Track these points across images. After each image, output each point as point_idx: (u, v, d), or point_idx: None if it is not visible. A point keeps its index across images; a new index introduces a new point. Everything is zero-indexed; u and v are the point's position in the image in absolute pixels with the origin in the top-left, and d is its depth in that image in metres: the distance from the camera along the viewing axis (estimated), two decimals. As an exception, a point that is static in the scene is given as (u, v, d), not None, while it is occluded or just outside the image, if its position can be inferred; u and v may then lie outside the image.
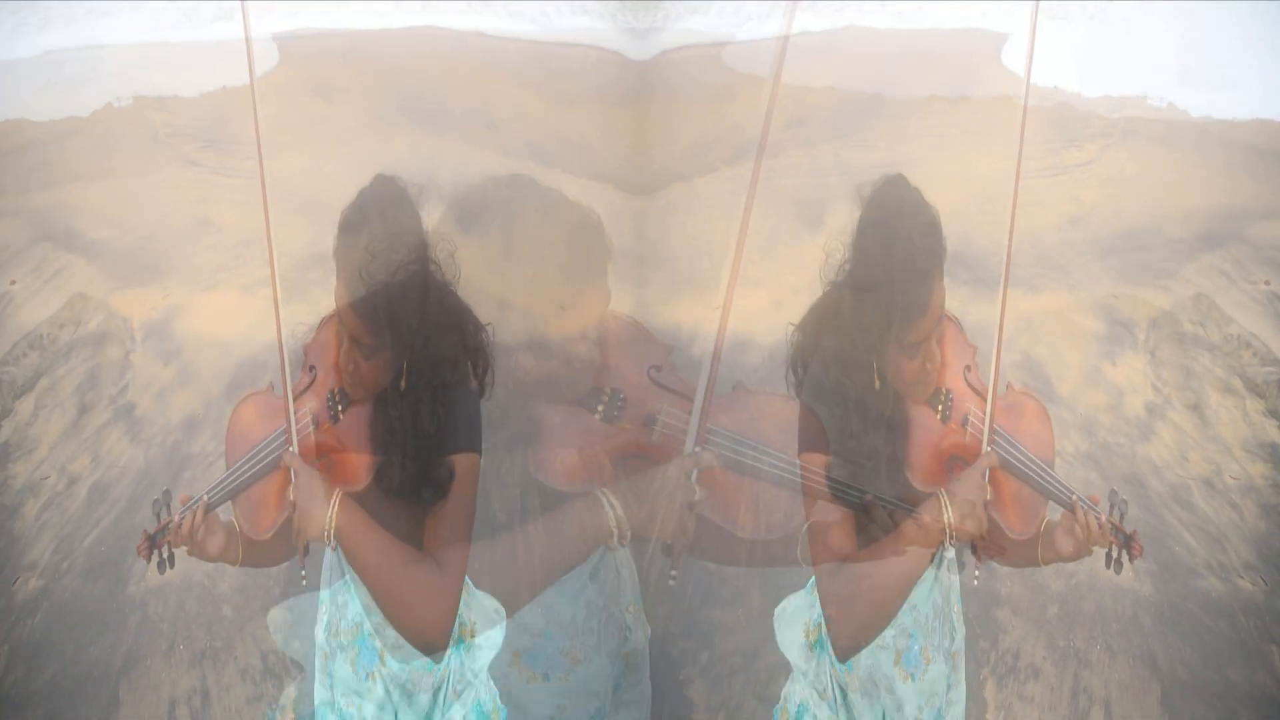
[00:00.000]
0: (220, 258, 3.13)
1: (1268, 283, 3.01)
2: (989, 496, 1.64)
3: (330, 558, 1.79)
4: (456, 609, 1.65)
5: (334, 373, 1.71)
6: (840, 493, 1.67)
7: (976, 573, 1.69)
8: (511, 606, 1.75)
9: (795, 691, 1.85)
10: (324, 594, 1.81)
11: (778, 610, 1.85)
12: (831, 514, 1.67)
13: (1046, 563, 1.68)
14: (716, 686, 2.40)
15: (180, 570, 2.43)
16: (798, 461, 1.70)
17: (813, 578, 1.79)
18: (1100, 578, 2.50)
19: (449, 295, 1.71)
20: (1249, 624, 2.44)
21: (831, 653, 1.75)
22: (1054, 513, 1.69)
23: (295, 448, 1.65)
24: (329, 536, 1.60)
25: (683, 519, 1.65)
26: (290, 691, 2.26)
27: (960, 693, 1.85)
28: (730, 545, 1.78)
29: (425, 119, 3.46)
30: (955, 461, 1.69)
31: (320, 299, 1.72)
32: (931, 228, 1.64)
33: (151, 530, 1.60)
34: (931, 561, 1.69)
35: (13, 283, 3.01)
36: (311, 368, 1.73)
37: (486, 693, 1.77)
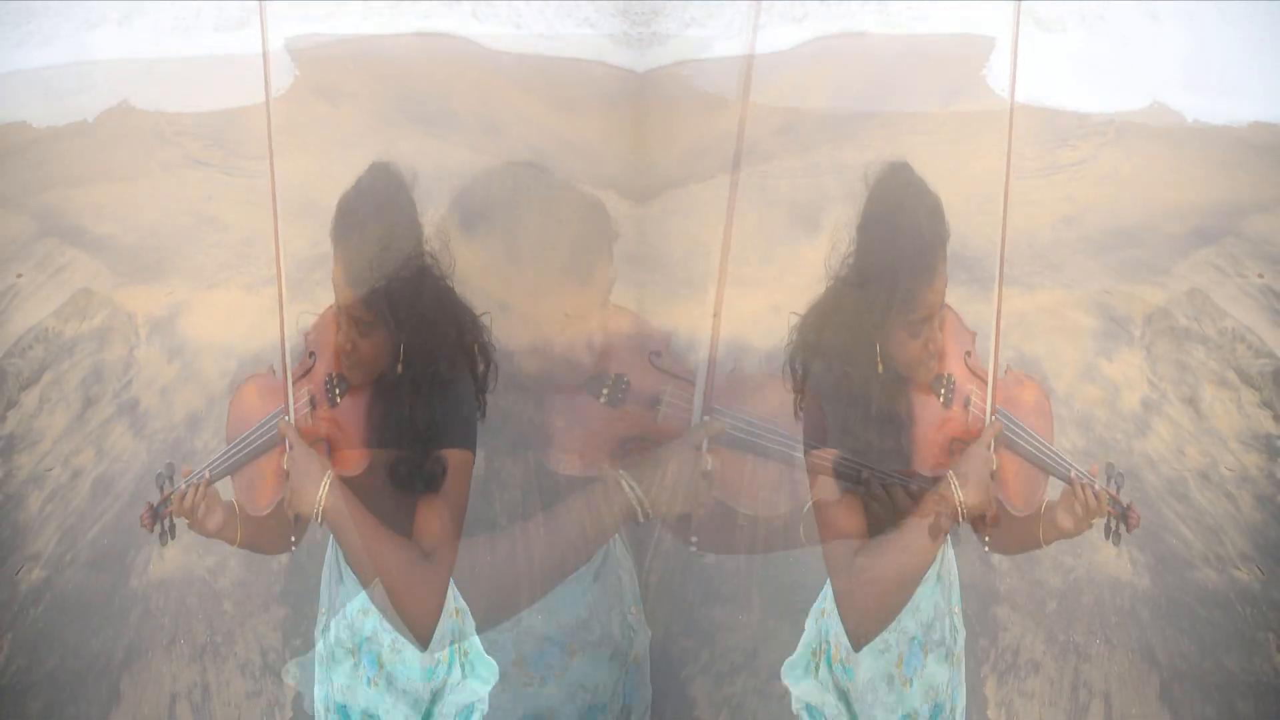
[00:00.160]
0: (224, 256, 3.15)
1: (1261, 275, 3.05)
2: (994, 466, 1.68)
3: (330, 558, 1.80)
4: (442, 603, 1.65)
5: (333, 358, 1.73)
6: (844, 470, 1.70)
7: (986, 539, 1.71)
8: (511, 610, 1.76)
9: (799, 695, 1.88)
10: (324, 597, 1.82)
11: (785, 665, 1.89)
12: (834, 491, 1.70)
13: (1048, 541, 1.70)
14: (718, 684, 2.39)
15: (182, 565, 2.45)
16: (799, 437, 1.73)
17: (822, 590, 1.82)
18: (1098, 572, 2.52)
19: (445, 290, 1.72)
20: (1245, 613, 2.45)
21: (832, 662, 1.78)
22: (1053, 495, 1.71)
23: (292, 418, 1.67)
24: (318, 514, 1.62)
25: (697, 488, 1.67)
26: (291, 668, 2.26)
27: (961, 695, 1.87)
28: (732, 535, 1.79)
29: (429, 123, 3.49)
30: (957, 444, 1.71)
31: (322, 299, 1.74)
32: (935, 210, 1.68)
33: (155, 501, 1.61)
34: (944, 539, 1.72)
35: (19, 276, 3.02)
36: (311, 354, 1.75)
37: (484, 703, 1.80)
